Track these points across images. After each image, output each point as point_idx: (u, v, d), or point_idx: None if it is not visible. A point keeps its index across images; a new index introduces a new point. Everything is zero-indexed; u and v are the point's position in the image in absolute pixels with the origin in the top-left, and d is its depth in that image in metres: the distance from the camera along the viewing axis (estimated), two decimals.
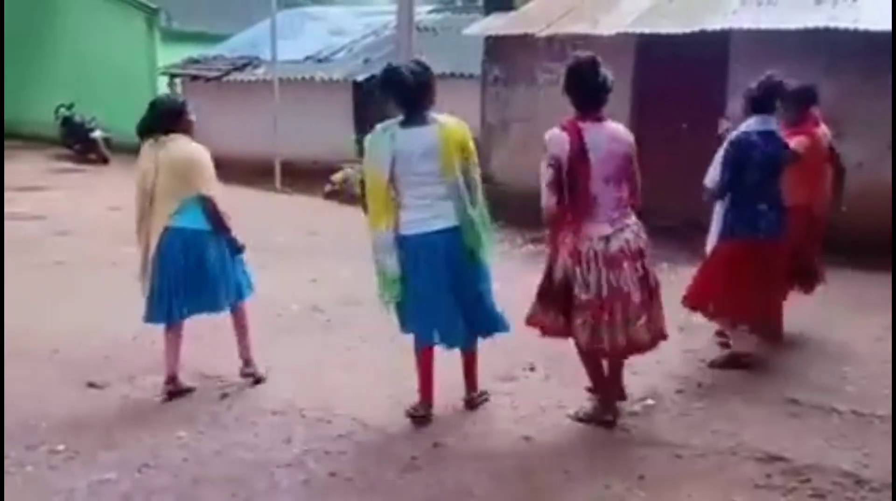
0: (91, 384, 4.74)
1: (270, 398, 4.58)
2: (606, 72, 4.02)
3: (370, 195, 4.13)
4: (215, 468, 3.83)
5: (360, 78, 14.17)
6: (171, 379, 4.57)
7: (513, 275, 5.85)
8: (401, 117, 4.11)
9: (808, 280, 5.52)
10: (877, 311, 5.96)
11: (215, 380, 4.80)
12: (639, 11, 9.45)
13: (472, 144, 4.17)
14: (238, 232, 4.63)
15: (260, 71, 14.89)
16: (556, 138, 3.99)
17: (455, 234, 4.05)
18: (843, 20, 8.05)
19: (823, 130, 5.39)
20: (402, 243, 4.08)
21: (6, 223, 8.91)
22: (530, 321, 4.24)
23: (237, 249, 4.65)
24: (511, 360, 4.92)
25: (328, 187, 12.35)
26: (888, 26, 7.66)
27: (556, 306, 4.09)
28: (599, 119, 4.04)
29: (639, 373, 4.71)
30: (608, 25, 9.06)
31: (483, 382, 4.49)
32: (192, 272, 4.45)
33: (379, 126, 4.15)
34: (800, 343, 5.42)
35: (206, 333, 5.58)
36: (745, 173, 4.73)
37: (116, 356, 5.18)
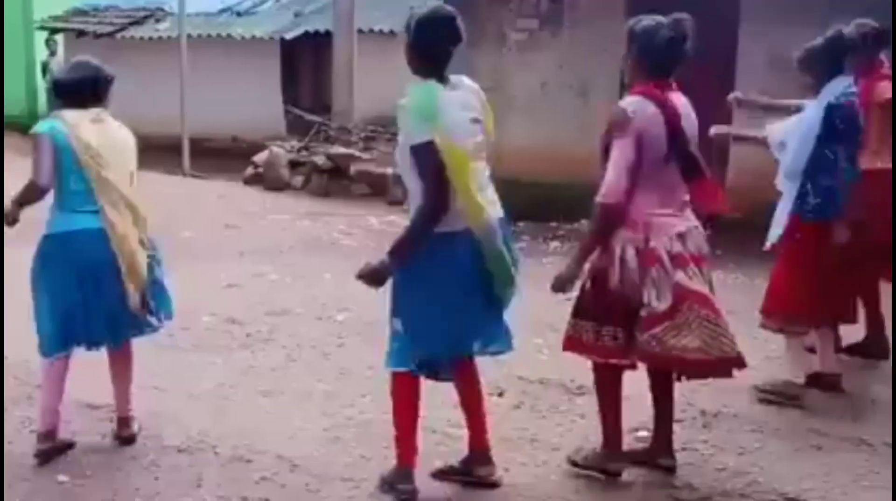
0: None
1: (175, 432, 4.52)
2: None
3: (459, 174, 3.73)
4: None
5: (289, 35, 14.12)
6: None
7: None
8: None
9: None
10: None
11: (105, 410, 4.72)
12: None
13: None
14: None
15: (164, 26, 14.78)
16: (644, 111, 3.91)
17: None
18: None
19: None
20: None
21: None
22: (569, 345, 4.14)
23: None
24: None
25: (250, 170, 12.28)
26: None
27: (612, 320, 3.99)
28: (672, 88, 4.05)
29: (628, 399, 4.74)
30: None
31: (442, 409, 4.47)
32: None
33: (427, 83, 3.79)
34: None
35: (80, 352, 5.50)
36: (831, 146, 4.80)
37: None
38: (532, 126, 9.35)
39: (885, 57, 5.49)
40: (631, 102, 3.94)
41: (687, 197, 4.04)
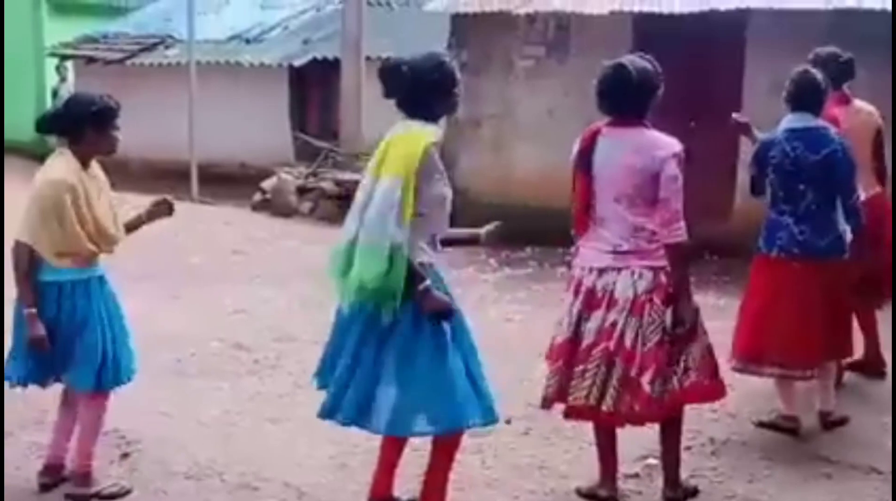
0: None
1: (183, 458, 4.51)
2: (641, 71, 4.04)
3: None
4: None
5: (297, 62, 14.18)
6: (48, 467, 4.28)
7: (484, 304, 5.84)
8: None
9: (869, 296, 5.52)
10: None
11: (112, 436, 4.71)
12: None
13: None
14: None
15: (173, 52, 14.86)
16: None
17: None
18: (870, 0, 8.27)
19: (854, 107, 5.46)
20: None
21: None
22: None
23: None
24: None
25: (258, 196, 12.31)
26: None
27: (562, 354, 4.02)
28: (627, 125, 4.02)
29: (639, 429, 4.72)
30: (600, 2, 9.18)
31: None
32: None
33: None
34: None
35: None
36: (767, 177, 4.82)
37: None
38: (540, 152, 9.35)
39: (846, 88, 5.47)
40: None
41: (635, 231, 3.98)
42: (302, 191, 12.11)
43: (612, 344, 3.87)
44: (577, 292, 4.03)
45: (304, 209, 11.92)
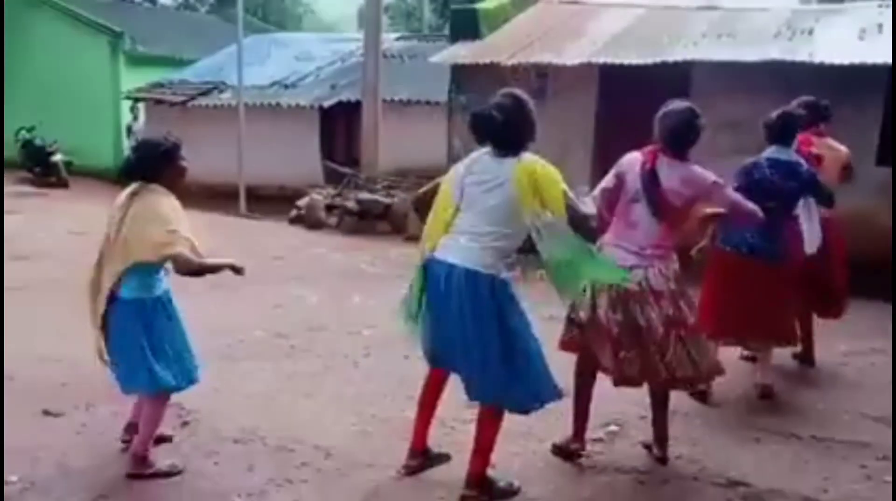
0: (47, 412, 4.62)
1: (232, 426, 4.51)
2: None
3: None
4: (175, 497, 3.75)
5: (326, 104, 14.20)
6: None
7: None
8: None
9: (827, 306, 5.62)
10: (836, 338, 6.06)
11: (175, 408, 4.71)
12: (602, 41, 9.62)
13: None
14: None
15: (226, 96, 14.87)
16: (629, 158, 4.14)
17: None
18: (800, 53, 8.28)
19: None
20: None
21: None
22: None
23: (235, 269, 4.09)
24: None
25: (294, 212, 12.31)
26: (842, 59, 7.89)
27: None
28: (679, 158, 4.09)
29: (603, 399, 4.72)
30: (572, 55, 9.22)
31: (450, 410, 4.45)
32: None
33: None
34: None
35: None
36: (747, 195, 4.73)
37: (74, 384, 5.06)
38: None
39: (823, 125, 5.58)
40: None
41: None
42: (329, 208, 12.11)
43: (679, 330, 3.94)
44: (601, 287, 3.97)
45: (331, 223, 11.92)
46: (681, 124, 4.07)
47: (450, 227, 3.64)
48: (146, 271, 3.84)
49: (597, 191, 4.08)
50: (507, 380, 3.56)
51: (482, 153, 3.74)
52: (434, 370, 3.94)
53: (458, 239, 3.60)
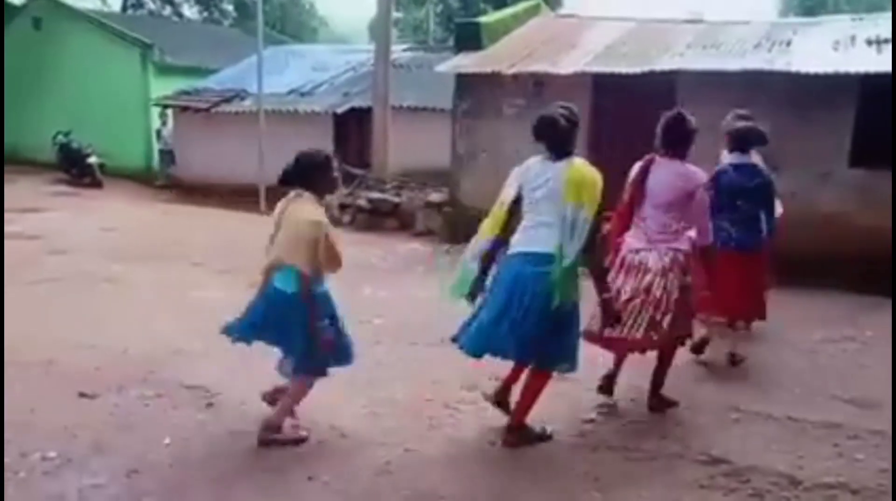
0: (83, 394, 4.64)
1: (254, 407, 4.51)
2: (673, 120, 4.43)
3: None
4: (201, 473, 3.76)
5: (339, 110, 14.19)
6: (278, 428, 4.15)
7: None
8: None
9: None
10: (812, 327, 6.08)
11: (201, 390, 4.73)
12: (595, 52, 9.62)
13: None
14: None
15: (247, 103, 14.86)
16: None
17: None
18: (778, 63, 8.26)
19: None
20: None
21: (6, 243, 8.74)
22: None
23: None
24: (477, 370, 4.90)
25: None
26: (817, 69, 7.87)
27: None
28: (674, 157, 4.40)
29: (594, 383, 4.74)
30: (567, 65, 9.21)
31: (450, 390, 4.47)
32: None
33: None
34: (743, 355, 5.47)
35: (186, 345, 5.53)
36: (717, 195, 4.96)
37: (107, 368, 5.08)
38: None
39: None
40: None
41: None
42: (343, 206, 12.10)
43: (646, 297, 4.26)
44: (620, 267, 4.39)
45: (344, 220, 11.91)
46: (669, 123, 4.41)
47: (509, 223, 3.98)
48: (298, 272, 3.92)
49: (624, 200, 4.49)
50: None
51: (534, 161, 4.03)
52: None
53: (527, 231, 3.92)
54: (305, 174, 3.98)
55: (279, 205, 4.08)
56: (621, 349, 4.48)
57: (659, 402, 4.55)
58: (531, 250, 3.84)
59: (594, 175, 3.83)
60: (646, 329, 4.23)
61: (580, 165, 3.87)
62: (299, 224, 3.90)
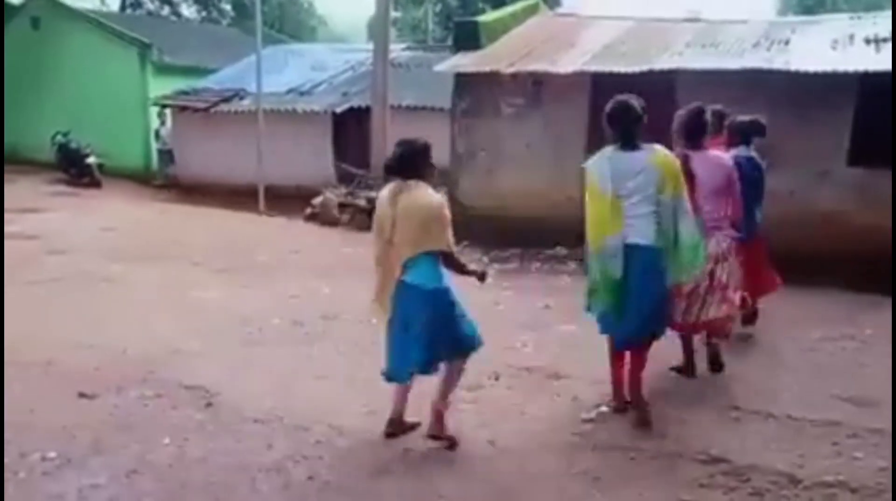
0: (82, 394, 4.64)
1: (252, 407, 4.52)
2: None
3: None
4: (200, 473, 3.76)
5: (338, 109, 14.18)
6: (392, 421, 4.14)
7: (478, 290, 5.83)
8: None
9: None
10: (811, 326, 6.07)
11: (200, 390, 4.73)
12: (594, 51, 9.60)
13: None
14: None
15: (245, 102, 14.84)
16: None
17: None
18: (776, 62, 8.26)
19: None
20: None
21: (5, 243, 8.74)
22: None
23: (481, 277, 4.11)
24: (478, 370, 4.90)
25: (309, 210, 12.30)
26: (815, 67, 7.86)
27: None
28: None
29: (595, 383, 4.74)
30: (566, 64, 9.19)
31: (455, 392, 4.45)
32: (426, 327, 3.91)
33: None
34: (742, 354, 5.48)
35: (185, 345, 5.53)
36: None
37: (106, 368, 5.08)
38: (520, 175, 9.37)
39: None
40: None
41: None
42: (342, 206, 12.10)
43: (710, 283, 4.69)
44: None
45: (344, 220, 11.91)
46: (692, 117, 4.72)
47: (615, 217, 4.07)
48: (429, 260, 3.87)
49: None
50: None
51: (607, 154, 4.14)
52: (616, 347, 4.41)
53: (632, 223, 4.08)
54: (412, 162, 3.90)
55: (385, 199, 3.94)
56: (700, 330, 4.89)
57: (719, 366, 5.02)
58: (634, 241, 4.07)
59: (677, 161, 4.19)
60: (716, 309, 4.71)
61: (665, 153, 4.13)
62: (431, 208, 3.83)
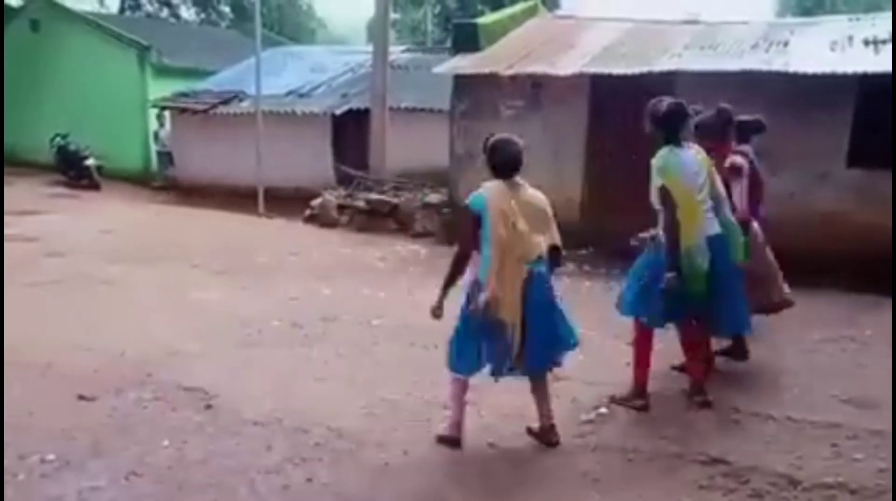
0: (81, 397, 4.64)
1: (252, 408, 4.52)
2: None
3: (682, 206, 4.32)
4: (199, 474, 3.76)
5: (338, 111, 14.18)
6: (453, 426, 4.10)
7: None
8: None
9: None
10: (811, 327, 6.07)
11: (199, 392, 4.73)
12: (593, 53, 9.61)
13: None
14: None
15: (245, 104, 14.84)
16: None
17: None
18: (775, 63, 8.27)
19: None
20: None
21: (4, 245, 8.73)
22: None
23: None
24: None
25: (308, 212, 12.30)
26: (815, 69, 7.87)
27: None
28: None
29: (594, 384, 4.74)
30: (565, 66, 9.20)
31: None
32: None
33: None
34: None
35: (184, 347, 5.52)
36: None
37: (105, 370, 5.08)
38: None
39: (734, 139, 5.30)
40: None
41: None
42: (341, 208, 12.08)
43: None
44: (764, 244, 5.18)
45: (343, 222, 11.90)
46: (723, 116, 4.99)
47: (701, 213, 4.35)
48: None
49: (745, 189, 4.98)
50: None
51: (673, 151, 4.34)
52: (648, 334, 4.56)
53: (708, 217, 4.39)
54: (519, 160, 4.05)
55: (499, 198, 3.95)
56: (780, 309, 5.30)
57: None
58: (712, 233, 4.37)
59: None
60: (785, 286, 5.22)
61: (700, 150, 4.43)
62: (545, 205, 4.05)
